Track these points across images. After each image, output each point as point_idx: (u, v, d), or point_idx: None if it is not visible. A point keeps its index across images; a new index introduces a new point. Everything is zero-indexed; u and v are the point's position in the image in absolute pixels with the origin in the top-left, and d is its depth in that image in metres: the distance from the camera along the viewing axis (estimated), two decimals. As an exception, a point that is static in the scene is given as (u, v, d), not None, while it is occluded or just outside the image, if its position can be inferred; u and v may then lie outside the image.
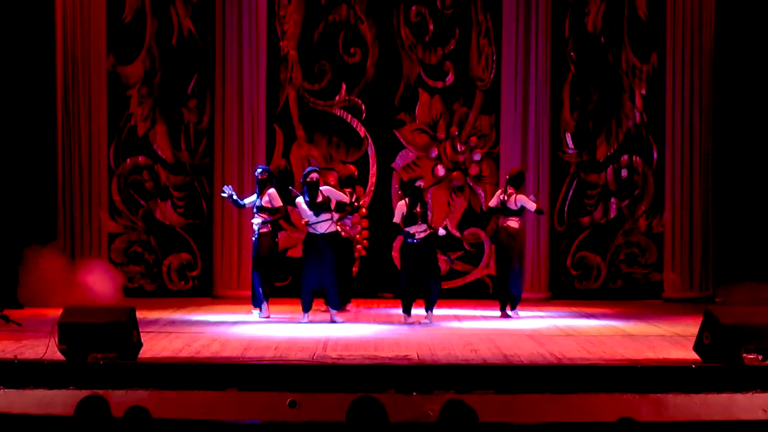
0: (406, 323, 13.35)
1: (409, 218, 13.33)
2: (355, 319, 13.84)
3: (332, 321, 13.35)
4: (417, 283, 13.40)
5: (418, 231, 13.34)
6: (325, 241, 13.37)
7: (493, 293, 14.97)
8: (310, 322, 13.30)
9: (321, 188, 13.42)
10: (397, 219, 13.42)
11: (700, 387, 9.41)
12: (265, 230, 13.92)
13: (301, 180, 13.58)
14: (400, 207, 13.42)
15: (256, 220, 13.90)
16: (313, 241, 13.39)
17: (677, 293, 16.60)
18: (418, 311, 13.70)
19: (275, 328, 12.90)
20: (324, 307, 13.97)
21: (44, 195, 16.08)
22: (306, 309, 13.45)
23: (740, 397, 9.33)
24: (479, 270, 16.92)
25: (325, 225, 13.38)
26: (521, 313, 14.44)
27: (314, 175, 13.42)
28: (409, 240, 13.42)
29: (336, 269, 13.46)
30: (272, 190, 13.91)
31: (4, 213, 15.33)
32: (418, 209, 13.34)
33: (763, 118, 16.00)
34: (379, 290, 16.55)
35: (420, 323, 13.37)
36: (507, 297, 14.41)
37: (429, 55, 17.04)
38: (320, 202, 13.32)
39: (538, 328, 13.11)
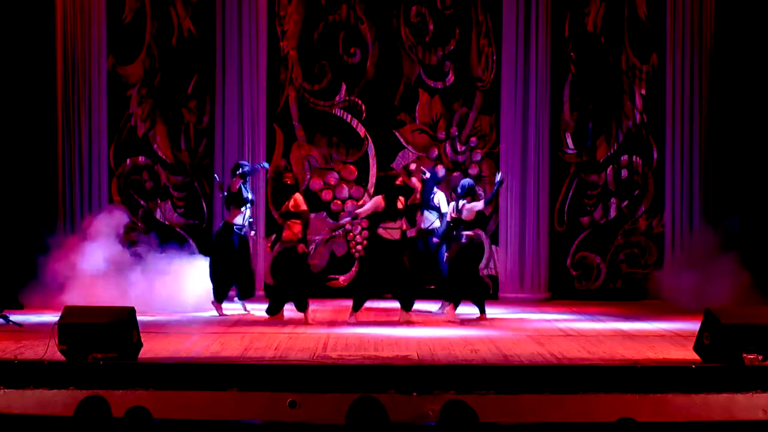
0: (455, 321, 13.43)
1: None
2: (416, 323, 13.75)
3: (403, 323, 13.34)
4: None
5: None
6: (398, 246, 13.43)
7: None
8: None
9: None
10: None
11: (700, 387, 9.42)
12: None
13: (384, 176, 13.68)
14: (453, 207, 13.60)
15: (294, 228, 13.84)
16: (385, 245, 13.43)
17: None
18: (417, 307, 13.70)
19: (275, 328, 12.89)
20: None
21: (45, 195, 16.07)
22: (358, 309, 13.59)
23: (740, 398, 9.34)
24: (480, 271, 16.90)
25: (398, 231, 13.46)
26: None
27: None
28: (463, 240, 13.54)
29: (410, 273, 13.51)
30: (299, 195, 13.94)
31: (5, 213, 15.32)
32: None
33: (763, 118, 15.99)
34: (379, 291, 16.49)
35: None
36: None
37: (429, 56, 17.04)
38: (399, 209, 13.43)
39: (538, 329, 13.10)
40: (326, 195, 16.91)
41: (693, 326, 10.93)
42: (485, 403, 8.97)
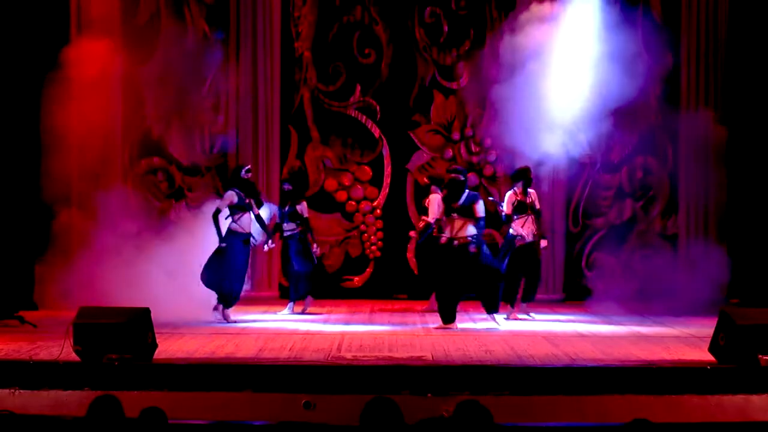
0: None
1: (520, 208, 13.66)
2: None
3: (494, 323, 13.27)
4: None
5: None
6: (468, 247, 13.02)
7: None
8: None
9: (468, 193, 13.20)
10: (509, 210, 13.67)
11: (716, 388, 9.41)
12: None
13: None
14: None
15: (289, 226, 14.48)
16: (453, 248, 12.99)
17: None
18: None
19: (290, 328, 12.90)
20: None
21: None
22: (452, 320, 13.00)
23: (756, 399, 9.32)
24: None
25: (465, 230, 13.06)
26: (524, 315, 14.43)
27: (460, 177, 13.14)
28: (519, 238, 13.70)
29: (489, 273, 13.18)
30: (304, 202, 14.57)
31: (19, 215, 15.33)
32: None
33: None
34: (393, 292, 16.53)
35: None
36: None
37: (443, 56, 17.03)
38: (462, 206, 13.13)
39: (553, 329, 13.09)
40: (341, 196, 16.92)
41: (708, 327, 10.91)
42: (500, 404, 8.95)
